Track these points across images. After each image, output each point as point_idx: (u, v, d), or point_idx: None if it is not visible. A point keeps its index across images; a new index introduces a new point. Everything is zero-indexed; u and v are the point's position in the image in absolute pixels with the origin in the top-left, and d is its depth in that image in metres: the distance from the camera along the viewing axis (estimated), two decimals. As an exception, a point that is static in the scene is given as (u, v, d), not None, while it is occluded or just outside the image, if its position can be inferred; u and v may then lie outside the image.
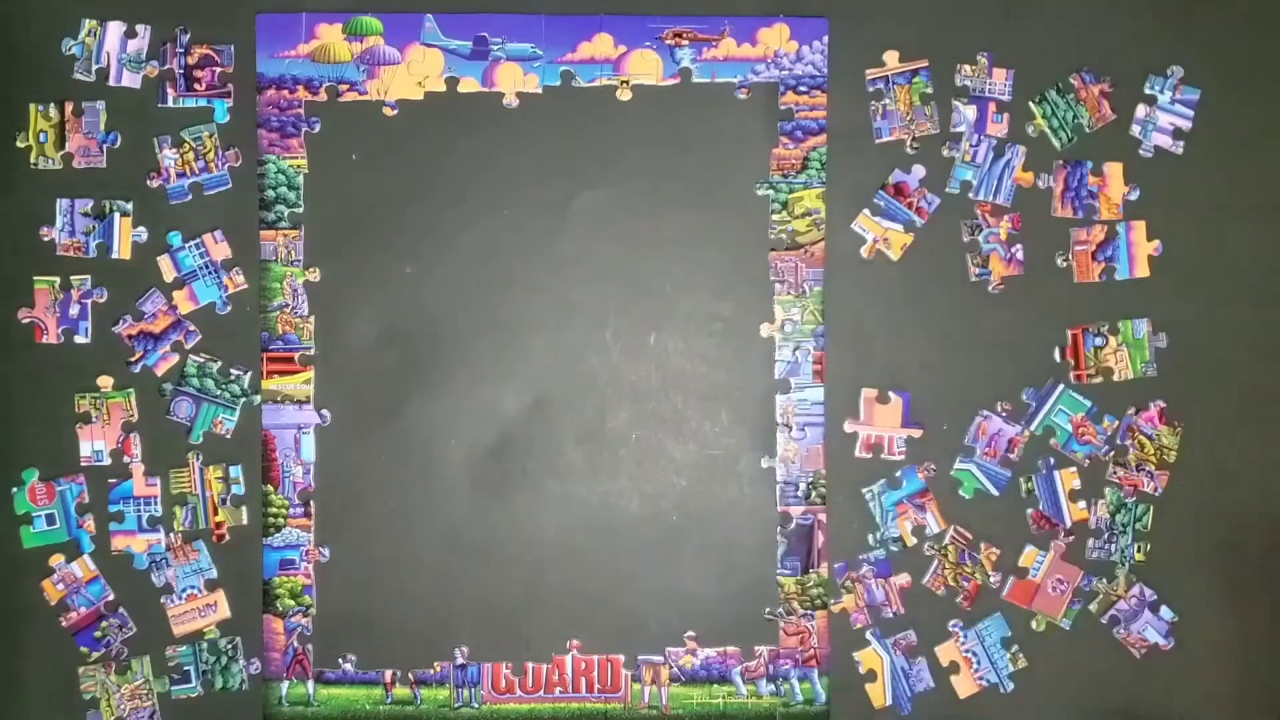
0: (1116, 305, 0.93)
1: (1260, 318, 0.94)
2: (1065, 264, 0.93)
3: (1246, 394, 0.93)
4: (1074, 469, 0.93)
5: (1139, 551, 0.93)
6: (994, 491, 0.93)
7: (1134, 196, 0.93)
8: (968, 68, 0.93)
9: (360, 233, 0.93)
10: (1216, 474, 0.93)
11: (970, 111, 0.93)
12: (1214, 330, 0.93)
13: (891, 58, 0.93)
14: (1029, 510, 0.93)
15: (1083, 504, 0.93)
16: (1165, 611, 0.93)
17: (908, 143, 0.93)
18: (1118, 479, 0.93)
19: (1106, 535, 0.93)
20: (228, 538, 0.92)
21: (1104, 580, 0.93)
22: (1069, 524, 0.93)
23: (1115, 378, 0.93)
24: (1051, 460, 0.93)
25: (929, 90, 0.93)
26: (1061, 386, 0.93)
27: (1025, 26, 0.94)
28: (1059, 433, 0.93)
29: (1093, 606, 0.93)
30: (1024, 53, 0.93)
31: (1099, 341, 0.93)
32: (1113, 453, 0.93)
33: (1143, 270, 0.93)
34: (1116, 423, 0.93)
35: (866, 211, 0.93)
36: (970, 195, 0.93)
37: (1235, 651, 0.93)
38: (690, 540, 0.93)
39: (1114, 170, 0.93)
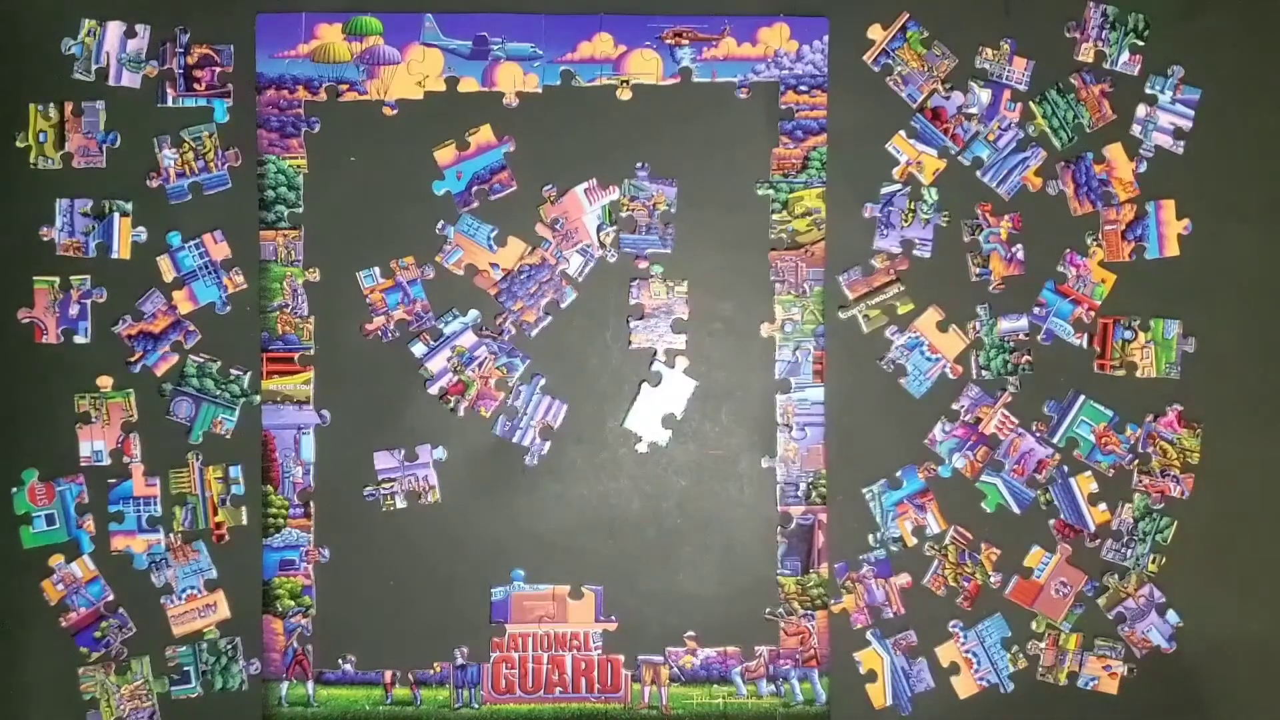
0: (1120, 301, 0.93)
1: (1261, 317, 0.94)
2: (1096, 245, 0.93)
3: (1251, 396, 0.93)
4: (1089, 474, 0.93)
5: (1153, 563, 0.93)
6: (1016, 510, 0.93)
7: (1142, 169, 0.93)
8: (989, 51, 0.93)
9: (360, 233, 0.93)
10: (1233, 478, 0.93)
11: (985, 95, 0.93)
12: (1215, 330, 0.93)
13: (875, 31, 0.93)
14: (1051, 521, 0.93)
15: (1104, 506, 0.93)
16: (1171, 615, 0.93)
17: (941, 88, 0.93)
18: (1144, 487, 0.93)
19: (1126, 539, 0.93)
20: (228, 538, 0.92)
21: (1115, 576, 0.93)
22: (1093, 528, 0.93)
23: (1139, 373, 0.93)
24: (1065, 468, 0.93)
25: (926, 34, 0.93)
26: (1083, 398, 0.93)
27: (1025, 26, 0.94)
28: (1082, 444, 0.93)
29: (1101, 601, 0.93)
30: (1024, 53, 0.94)
31: (1128, 335, 0.93)
32: (1136, 460, 0.93)
33: (1172, 249, 0.93)
34: (1139, 431, 0.93)
35: (902, 133, 0.93)
36: (977, 173, 0.93)
37: (1238, 658, 0.93)
38: (690, 540, 0.93)
39: (1115, 152, 0.93)
